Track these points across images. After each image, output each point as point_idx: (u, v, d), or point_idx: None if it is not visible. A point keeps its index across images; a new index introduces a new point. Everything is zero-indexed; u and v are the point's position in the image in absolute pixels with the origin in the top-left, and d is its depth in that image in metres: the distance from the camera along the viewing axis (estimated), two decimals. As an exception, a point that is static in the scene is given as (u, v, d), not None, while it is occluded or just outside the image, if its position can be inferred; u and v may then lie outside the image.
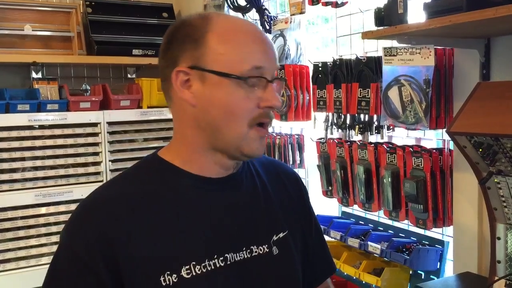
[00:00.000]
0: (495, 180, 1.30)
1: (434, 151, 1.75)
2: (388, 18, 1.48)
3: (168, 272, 0.89)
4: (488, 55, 1.54)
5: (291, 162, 2.54)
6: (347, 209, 2.25)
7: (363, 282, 1.96)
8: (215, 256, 0.93)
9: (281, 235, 1.02)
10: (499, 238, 1.35)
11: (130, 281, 0.88)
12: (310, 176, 2.55)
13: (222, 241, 0.95)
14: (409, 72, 1.58)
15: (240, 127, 0.92)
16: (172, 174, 0.98)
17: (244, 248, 0.97)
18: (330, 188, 2.21)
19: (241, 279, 0.96)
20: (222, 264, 0.94)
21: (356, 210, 2.19)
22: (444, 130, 1.65)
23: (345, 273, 2.09)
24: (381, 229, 2.10)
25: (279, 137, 2.60)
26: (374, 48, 2.04)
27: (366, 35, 1.51)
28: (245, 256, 0.97)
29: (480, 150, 1.26)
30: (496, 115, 1.22)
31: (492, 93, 1.30)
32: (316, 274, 1.16)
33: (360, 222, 2.20)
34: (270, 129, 2.81)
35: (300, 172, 2.57)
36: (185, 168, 0.98)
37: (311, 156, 2.49)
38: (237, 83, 0.91)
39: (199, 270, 0.91)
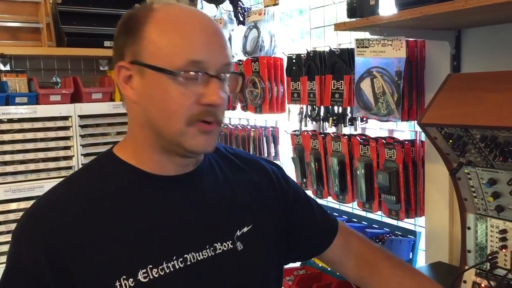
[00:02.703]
0: (465, 170, 1.31)
1: (407, 142, 1.76)
2: (360, 10, 1.48)
3: (124, 277, 0.86)
4: (458, 47, 1.56)
5: (265, 155, 2.53)
6: (322, 201, 2.25)
7: (338, 273, 1.97)
8: (174, 257, 0.90)
9: (245, 229, 1.00)
10: (469, 228, 1.36)
11: None
12: (285, 168, 2.55)
13: (181, 241, 0.92)
14: (381, 64, 1.58)
15: (177, 124, 0.88)
16: (128, 173, 0.94)
17: (207, 247, 0.95)
18: (304, 180, 2.22)
19: (204, 279, 0.93)
20: (182, 265, 0.91)
21: (330, 202, 2.19)
22: (416, 121, 1.66)
23: (320, 265, 2.10)
24: (355, 220, 2.11)
25: (253, 129, 2.59)
26: (348, 40, 2.04)
27: (339, 26, 1.51)
28: (209, 255, 0.94)
29: (450, 141, 1.27)
30: (466, 106, 1.24)
31: (462, 84, 1.31)
32: (323, 242, 1.17)
33: (335, 213, 2.21)
34: (244, 122, 2.80)
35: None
36: (141, 167, 0.94)
37: (285, 149, 2.49)
38: (173, 79, 0.86)
39: (156, 273, 0.88)
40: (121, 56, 0.91)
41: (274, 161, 2.38)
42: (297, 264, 2.27)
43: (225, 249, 0.97)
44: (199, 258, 0.93)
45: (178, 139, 0.89)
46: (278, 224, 1.09)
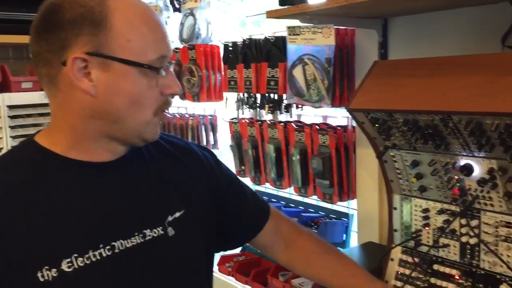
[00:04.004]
0: (391, 153, 1.37)
1: (339, 128, 1.82)
2: (292, -2, 1.50)
3: (47, 267, 0.84)
4: (385, 35, 1.62)
5: (204, 143, 2.53)
6: (260, 188, 2.28)
7: (269, 257, 2.01)
8: (101, 245, 0.89)
9: (177, 215, 1.01)
10: (395, 208, 1.43)
11: (3, 282, 0.82)
12: (224, 156, 2.56)
13: (108, 228, 0.92)
14: (313, 51, 1.62)
15: (145, 116, 0.91)
16: (52, 161, 0.92)
17: (136, 233, 0.94)
18: (243, 167, 2.24)
19: (133, 267, 0.93)
20: (109, 253, 0.90)
21: (268, 188, 2.23)
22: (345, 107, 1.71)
23: (259, 250, 2.13)
24: (292, 205, 2.16)
25: (191, 118, 2.57)
26: (284, 28, 2.06)
27: (270, 14, 1.52)
28: (138, 241, 0.94)
29: (377, 125, 1.32)
30: (390, 92, 1.29)
31: (387, 71, 1.36)
32: (256, 226, 1.21)
33: (273, 200, 2.25)
34: (183, 110, 2.78)
35: (214, 152, 2.57)
36: (67, 154, 0.92)
37: (224, 137, 2.50)
38: (142, 72, 0.88)
39: (82, 263, 0.86)
40: (65, 46, 0.86)
41: (213, 150, 2.39)
42: (237, 250, 2.30)
43: (155, 235, 0.97)
44: (128, 245, 0.93)
45: (141, 130, 0.92)
46: (210, 210, 1.10)
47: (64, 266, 0.85)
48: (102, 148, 0.94)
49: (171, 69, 0.94)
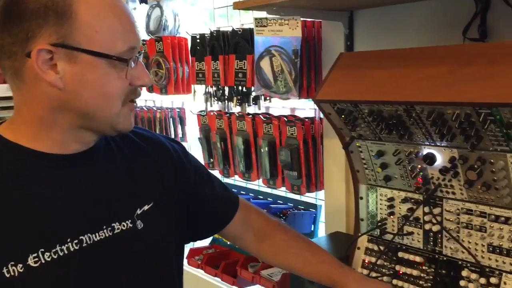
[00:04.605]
0: (357, 144, 1.39)
1: (307, 120, 1.83)
2: (258, -11, 1.50)
3: (12, 263, 0.82)
4: (351, 27, 1.63)
5: (172, 136, 2.51)
6: (229, 180, 2.28)
7: (239, 247, 2.01)
8: (68, 239, 0.88)
9: (145, 208, 1.00)
10: (361, 198, 1.45)
11: None
12: (193, 149, 2.55)
13: (76, 222, 0.90)
14: (280, 43, 1.62)
15: (115, 107, 0.89)
16: (16, 153, 0.89)
17: (104, 227, 0.93)
18: (211, 160, 2.23)
19: (101, 261, 0.92)
20: (77, 248, 0.89)
21: (237, 180, 2.23)
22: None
23: (228, 243, 2.14)
24: (261, 197, 2.17)
25: (159, 111, 2.55)
26: (251, 20, 2.06)
27: (237, 5, 1.52)
28: (106, 235, 0.93)
29: (343, 116, 1.34)
30: (355, 83, 1.30)
31: (352, 62, 1.38)
32: (225, 217, 1.21)
33: (242, 192, 2.25)
34: (151, 104, 2.75)
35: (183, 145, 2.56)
36: (33, 146, 0.89)
37: (193, 130, 2.48)
38: (111, 64, 0.86)
39: (49, 257, 0.85)
40: (28, 38, 0.83)
41: (181, 142, 2.38)
42: (206, 243, 2.30)
43: (124, 228, 0.96)
44: (96, 239, 0.92)
45: (112, 120, 0.90)
46: (179, 202, 1.10)
47: (31, 262, 0.83)
48: (71, 139, 0.92)
49: (141, 59, 0.93)
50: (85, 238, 0.90)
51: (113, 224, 0.94)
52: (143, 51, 2.45)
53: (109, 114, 0.90)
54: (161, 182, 1.06)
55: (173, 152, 1.12)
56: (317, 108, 1.82)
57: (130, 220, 0.97)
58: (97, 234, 0.92)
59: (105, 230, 0.93)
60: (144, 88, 2.66)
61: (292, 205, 2.02)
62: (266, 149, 1.90)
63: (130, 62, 0.89)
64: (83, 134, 0.93)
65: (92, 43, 0.84)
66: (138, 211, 0.99)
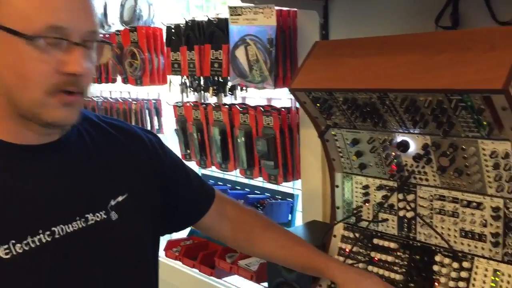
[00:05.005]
0: (332, 132, 1.40)
1: (283, 109, 1.83)
2: (232, -23, 1.48)
3: None
4: (326, 16, 1.63)
5: (148, 128, 2.49)
6: (206, 171, 2.27)
7: (215, 239, 2.01)
8: (40, 231, 0.86)
9: (120, 199, 0.98)
10: (337, 186, 1.46)
11: None
12: (170, 141, 2.53)
13: (48, 213, 0.88)
14: (255, 32, 1.62)
15: (34, 93, 0.82)
16: None
17: (77, 218, 0.91)
18: (188, 151, 2.22)
19: (74, 252, 0.91)
20: (49, 239, 0.87)
21: (214, 171, 2.22)
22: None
23: (204, 234, 2.13)
24: (239, 188, 2.17)
25: (135, 102, 2.52)
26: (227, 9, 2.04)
27: (212, -7, 1.50)
28: (80, 226, 0.91)
29: (318, 104, 1.34)
30: (329, 71, 1.31)
31: (327, 51, 1.38)
32: (201, 209, 1.20)
33: (219, 183, 2.25)
34: (126, 95, 2.72)
35: (160, 137, 2.53)
36: None
37: (169, 121, 2.46)
38: (30, 43, 0.80)
39: (20, 249, 0.83)
40: None
41: (158, 134, 2.36)
42: (184, 235, 2.29)
43: (97, 219, 0.94)
44: (69, 231, 0.90)
45: (36, 110, 0.84)
46: (154, 193, 1.09)
47: (2, 253, 0.82)
48: (23, 128, 0.88)
49: (93, 45, 0.87)
50: (58, 230, 0.89)
51: (86, 215, 0.93)
52: (115, 44, 2.42)
53: (29, 100, 0.83)
54: (136, 173, 1.05)
55: (149, 144, 1.11)
56: (293, 97, 1.83)
57: (104, 211, 0.96)
58: (70, 225, 0.90)
59: (78, 221, 0.92)
60: (119, 79, 2.63)
61: (269, 195, 2.03)
62: (243, 139, 1.89)
63: (53, 43, 0.81)
64: (30, 123, 0.87)
65: (9, 20, 0.79)
66: (112, 202, 0.97)
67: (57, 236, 0.88)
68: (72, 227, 0.91)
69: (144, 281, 1.05)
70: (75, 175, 0.94)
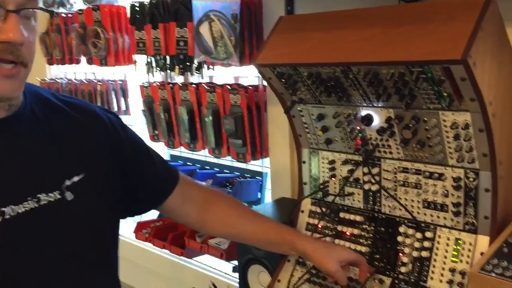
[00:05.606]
0: (298, 108, 1.39)
1: (250, 87, 1.82)
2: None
3: None
4: (291, -9, 1.62)
5: (115, 109, 2.44)
6: (175, 152, 2.26)
7: (179, 222, 2.01)
8: None
9: (75, 179, 0.96)
10: (304, 162, 1.46)
11: None
12: (138, 122, 2.49)
13: None
14: (219, 8, 1.59)
15: None
16: None
17: (28, 198, 0.89)
18: (156, 132, 2.19)
19: (26, 233, 0.88)
20: (0, 220, 0.85)
21: (183, 151, 2.21)
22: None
23: (170, 217, 2.12)
24: (208, 167, 2.16)
25: (100, 83, 2.46)
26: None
27: (174, -32, 1.47)
28: (32, 206, 0.89)
29: (283, 80, 1.33)
30: (294, 46, 1.30)
31: (292, 26, 1.37)
32: (165, 191, 1.18)
33: (188, 163, 2.23)
34: (91, 76, 2.66)
35: (127, 119, 2.49)
36: None
37: (137, 102, 2.42)
38: None
39: None
40: None
41: (125, 116, 2.32)
42: (154, 216, 2.27)
43: (51, 200, 0.92)
44: (20, 211, 0.87)
45: None
46: (113, 174, 1.06)
47: None
48: None
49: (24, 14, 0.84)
50: (8, 210, 0.86)
51: (38, 195, 0.90)
52: (78, 23, 2.35)
53: None
54: (93, 153, 1.02)
55: (108, 123, 1.08)
56: (260, 75, 1.82)
57: (58, 191, 0.93)
58: (20, 205, 0.88)
59: (30, 202, 0.89)
60: (83, 60, 2.57)
61: (238, 174, 2.02)
62: (210, 118, 1.88)
63: None
64: None
65: None
66: (68, 182, 0.95)
67: (7, 216, 0.86)
68: (24, 207, 0.88)
69: (102, 263, 1.03)
70: (27, 154, 0.92)
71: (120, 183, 1.08)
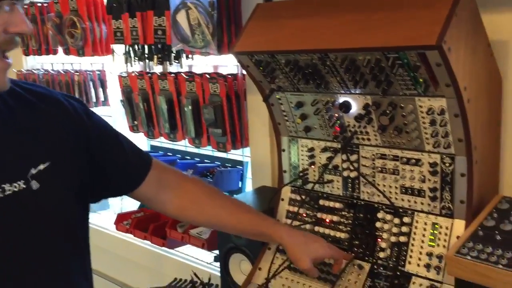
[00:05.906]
0: (277, 96, 1.39)
1: (229, 76, 1.81)
2: None
3: None
4: (269, -21, 1.60)
5: (94, 100, 2.41)
6: (155, 142, 2.24)
7: (155, 210, 1.99)
8: None
9: (41, 167, 0.94)
10: (284, 150, 1.47)
11: None
12: (117, 113, 2.46)
13: None
14: (196, -5, 1.57)
15: None
16: None
17: None
18: (135, 122, 2.16)
19: None
20: None
21: (163, 142, 2.19)
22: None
23: (145, 205, 2.11)
24: (189, 158, 2.15)
25: (77, 74, 2.42)
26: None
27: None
28: None
29: (261, 68, 1.33)
30: (271, 33, 1.29)
31: (269, 13, 1.36)
32: (136, 178, 1.17)
33: (169, 153, 2.22)
34: (68, 67, 2.61)
35: (106, 109, 2.47)
36: None
37: (115, 92, 2.39)
38: None
39: None
40: None
41: (104, 106, 2.29)
42: (135, 207, 2.26)
43: (16, 189, 0.90)
44: None
45: None
46: (80, 161, 1.04)
47: None
48: None
49: (20, 6, 0.86)
50: None
51: (3, 186, 0.89)
52: (54, 13, 2.31)
53: None
54: (58, 140, 1.00)
55: (72, 110, 1.05)
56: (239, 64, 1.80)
57: (23, 181, 0.91)
58: None
59: None
60: (60, 50, 2.52)
61: (219, 163, 2.02)
62: (190, 107, 1.87)
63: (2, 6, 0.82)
64: None
65: None
66: (33, 171, 0.93)
67: None
68: None
69: (72, 251, 1.02)
70: None
71: (88, 170, 1.06)
